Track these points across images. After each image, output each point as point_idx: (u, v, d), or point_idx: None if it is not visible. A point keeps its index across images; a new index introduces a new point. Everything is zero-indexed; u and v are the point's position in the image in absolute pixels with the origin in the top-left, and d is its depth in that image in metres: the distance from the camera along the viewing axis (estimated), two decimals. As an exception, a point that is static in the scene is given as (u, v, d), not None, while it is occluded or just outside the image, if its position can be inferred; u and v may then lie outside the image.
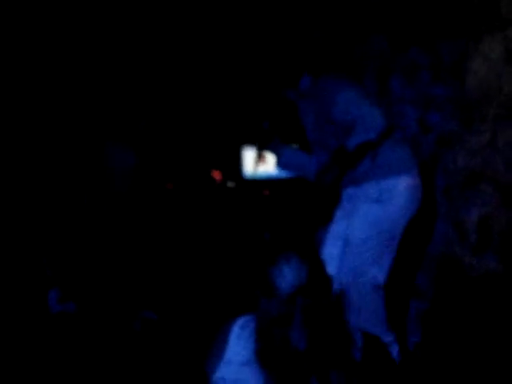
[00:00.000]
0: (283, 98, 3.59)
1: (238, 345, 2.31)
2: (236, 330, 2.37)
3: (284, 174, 4.39)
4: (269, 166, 4.37)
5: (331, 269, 3.11)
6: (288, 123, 4.09)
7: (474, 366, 3.37)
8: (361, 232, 3.30)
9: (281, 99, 3.64)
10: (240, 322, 2.39)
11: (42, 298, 3.41)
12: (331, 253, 3.35)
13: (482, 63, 3.62)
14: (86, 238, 3.94)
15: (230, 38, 4.73)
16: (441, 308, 3.84)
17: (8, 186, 4.12)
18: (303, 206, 4.42)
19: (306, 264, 2.22)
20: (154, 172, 4.46)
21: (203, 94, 4.86)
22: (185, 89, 4.86)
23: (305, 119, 3.51)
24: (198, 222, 4.46)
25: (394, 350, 3.33)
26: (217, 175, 4.64)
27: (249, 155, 4.57)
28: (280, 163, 3.66)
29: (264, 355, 2.21)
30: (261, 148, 3.78)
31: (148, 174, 4.37)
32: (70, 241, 3.89)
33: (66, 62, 4.54)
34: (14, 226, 3.94)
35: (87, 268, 3.75)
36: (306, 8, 4.55)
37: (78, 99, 4.51)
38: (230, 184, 4.63)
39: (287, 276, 2.18)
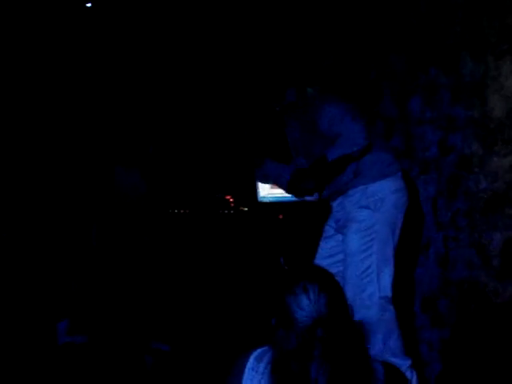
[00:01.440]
0: (268, 110, 3.62)
1: (254, 378, 2.23)
2: (251, 362, 2.27)
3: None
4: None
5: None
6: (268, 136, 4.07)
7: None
8: (355, 242, 3.28)
9: (265, 111, 3.68)
10: (256, 353, 2.29)
11: (51, 329, 3.34)
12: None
13: (504, 83, 3.53)
14: (96, 268, 3.87)
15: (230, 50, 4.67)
16: (463, 335, 3.73)
17: (20, 213, 4.08)
18: (318, 229, 4.33)
19: (326, 292, 2.13)
20: (165, 197, 4.41)
21: (205, 113, 4.81)
22: (189, 110, 4.81)
23: (290, 130, 3.55)
24: (212, 247, 4.39)
25: (413, 376, 3.23)
26: (231, 199, 4.58)
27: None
28: (259, 175, 3.72)
29: (281, 390, 2.12)
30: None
31: (158, 200, 4.32)
32: (80, 272, 3.83)
33: (77, 85, 4.51)
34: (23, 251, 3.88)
35: (98, 299, 3.68)
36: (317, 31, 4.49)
37: (88, 127, 4.49)
38: (244, 208, 4.56)
39: (305, 307, 2.09)
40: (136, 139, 4.40)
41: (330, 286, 2.17)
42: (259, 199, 4.49)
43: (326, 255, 3.48)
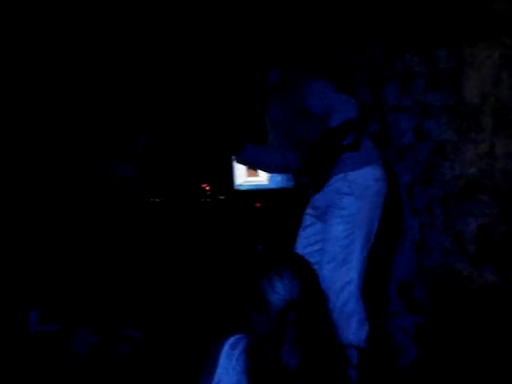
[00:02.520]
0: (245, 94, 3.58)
1: (229, 365, 2.24)
2: (226, 349, 2.29)
3: (275, 184, 4.30)
4: (260, 176, 4.28)
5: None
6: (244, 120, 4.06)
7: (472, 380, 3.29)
8: (337, 229, 3.26)
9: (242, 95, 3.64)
10: (231, 340, 2.31)
11: (22, 318, 3.32)
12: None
13: (478, 70, 3.54)
14: (68, 255, 3.85)
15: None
16: (438, 321, 3.75)
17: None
18: (296, 216, 4.33)
19: (299, 278, 2.14)
20: (148, 185, 4.40)
21: (190, 104, 4.78)
22: (174, 100, 4.78)
23: (273, 111, 3.49)
24: (187, 235, 4.37)
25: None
26: (207, 187, 4.56)
27: (240, 166, 4.48)
28: (239, 160, 3.67)
29: (254, 375, 2.12)
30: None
31: (142, 188, 4.32)
32: (52, 260, 3.81)
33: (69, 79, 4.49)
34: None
35: (71, 287, 3.66)
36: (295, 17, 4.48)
37: (82, 120, 4.47)
38: (221, 196, 4.55)
39: (279, 291, 2.11)
40: (129, 132, 4.41)
41: (305, 272, 2.20)
42: (235, 187, 4.48)
43: (305, 244, 3.46)
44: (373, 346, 3.24)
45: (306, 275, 2.19)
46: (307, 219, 3.51)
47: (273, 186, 4.36)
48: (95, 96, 4.58)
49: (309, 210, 3.51)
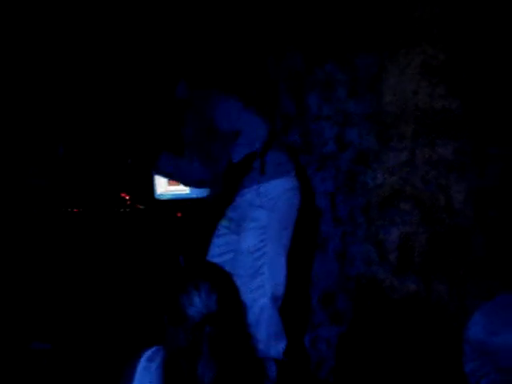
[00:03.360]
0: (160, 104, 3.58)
1: (146, 378, 2.17)
2: (143, 363, 2.22)
3: (197, 194, 4.24)
4: (181, 186, 4.20)
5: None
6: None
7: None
8: (249, 241, 3.26)
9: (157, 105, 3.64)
10: (148, 354, 2.24)
11: None
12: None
13: (398, 78, 3.57)
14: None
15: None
16: (359, 331, 3.74)
17: None
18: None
19: (217, 290, 2.10)
20: (63, 194, 4.30)
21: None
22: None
23: (186, 126, 3.50)
24: (106, 246, 4.26)
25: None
26: (126, 196, 4.46)
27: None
28: (156, 169, 3.67)
29: (170, 389, 2.05)
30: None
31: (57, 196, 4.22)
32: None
33: None
34: None
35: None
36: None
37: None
38: (140, 205, 4.45)
39: (196, 304, 2.06)
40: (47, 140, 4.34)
41: (223, 284, 2.16)
42: (156, 196, 4.39)
43: (218, 253, 3.45)
44: (292, 357, 3.21)
45: (225, 287, 2.16)
46: (221, 229, 3.51)
47: (194, 195, 4.28)
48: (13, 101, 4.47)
49: (223, 220, 3.50)
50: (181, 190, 4.34)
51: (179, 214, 4.42)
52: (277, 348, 3.17)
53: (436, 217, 3.47)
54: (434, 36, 3.46)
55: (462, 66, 3.42)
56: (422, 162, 3.51)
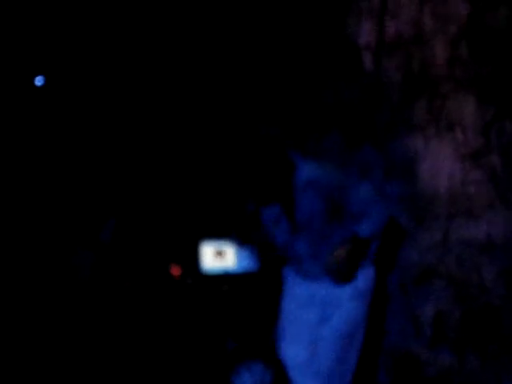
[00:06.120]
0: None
1: None
2: None
3: (244, 269, 4.37)
4: (227, 260, 4.36)
5: (296, 373, 3.14)
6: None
7: None
8: (335, 331, 3.26)
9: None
10: None
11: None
12: (295, 355, 3.25)
13: (432, 162, 3.75)
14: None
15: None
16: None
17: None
18: (265, 303, 4.40)
19: (271, 368, 2.14)
20: (113, 269, 4.44)
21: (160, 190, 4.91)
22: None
23: (308, 205, 3.38)
24: (156, 320, 4.40)
25: None
26: (176, 271, 4.62)
27: (207, 250, 4.55)
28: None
29: None
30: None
31: (106, 273, 4.36)
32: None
33: None
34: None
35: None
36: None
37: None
38: (189, 280, 4.60)
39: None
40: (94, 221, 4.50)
41: (274, 364, 2.18)
42: (203, 271, 4.53)
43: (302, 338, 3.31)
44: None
45: (275, 367, 2.18)
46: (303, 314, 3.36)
47: (240, 270, 4.42)
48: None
49: (309, 304, 3.37)
50: (227, 264, 4.47)
51: (225, 288, 4.55)
52: None
53: (469, 294, 3.59)
54: (466, 124, 3.66)
55: (494, 151, 3.56)
56: (456, 243, 3.65)
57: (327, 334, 3.26)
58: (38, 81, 4.80)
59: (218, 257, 4.43)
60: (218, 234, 4.44)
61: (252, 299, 4.46)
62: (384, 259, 3.58)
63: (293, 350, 3.25)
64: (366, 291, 3.36)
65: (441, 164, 3.73)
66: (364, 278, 3.35)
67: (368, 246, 3.32)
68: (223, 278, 4.56)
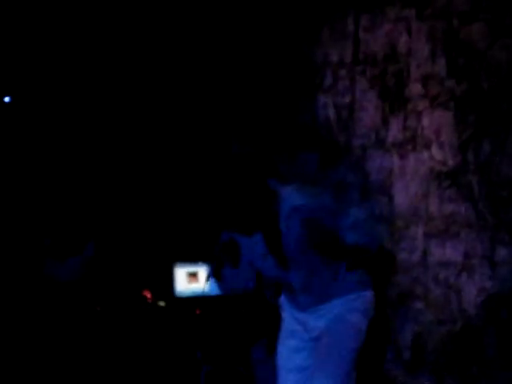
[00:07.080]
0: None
1: None
2: None
3: (216, 292, 4.32)
4: (200, 283, 4.31)
5: None
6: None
7: None
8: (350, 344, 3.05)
9: None
10: None
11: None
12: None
13: (408, 182, 3.71)
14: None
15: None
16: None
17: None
18: (237, 324, 4.35)
19: None
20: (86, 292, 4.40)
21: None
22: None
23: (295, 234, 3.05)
24: (128, 342, 4.34)
25: None
26: (147, 294, 4.56)
27: (180, 273, 4.50)
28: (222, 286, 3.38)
29: None
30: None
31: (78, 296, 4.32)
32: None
33: None
34: None
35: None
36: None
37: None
38: (161, 303, 4.54)
39: None
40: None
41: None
42: (176, 294, 4.48)
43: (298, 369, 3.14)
44: None
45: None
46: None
47: (213, 292, 4.37)
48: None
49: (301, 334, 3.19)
50: (200, 287, 4.43)
51: (198, 311, 4.51)
52: None
53: (448, 316, 3.55)
54: (442, 142, 3.62)
55: (471, 170, 3.54)
56: (434, 263, 3.61)
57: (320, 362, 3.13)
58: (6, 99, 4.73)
59: (192, 279, 4.39)
60: (191, 257, 4.36)
61: (225, 322, 4.42)
62: (377, 283, 3.51)
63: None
64: (366, 315, 3.18)
65: (417, 183, 3.69)
66: (363, 300, 3.19)
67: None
68: (196, 301, 4.52)
